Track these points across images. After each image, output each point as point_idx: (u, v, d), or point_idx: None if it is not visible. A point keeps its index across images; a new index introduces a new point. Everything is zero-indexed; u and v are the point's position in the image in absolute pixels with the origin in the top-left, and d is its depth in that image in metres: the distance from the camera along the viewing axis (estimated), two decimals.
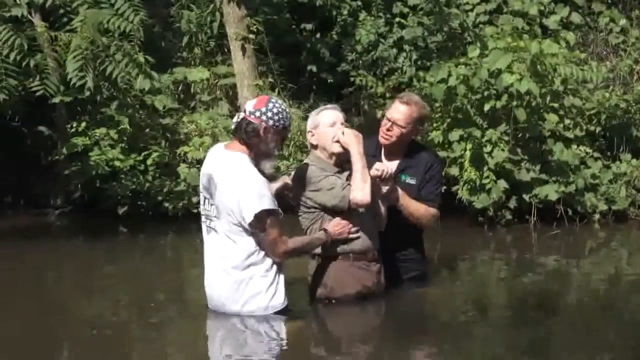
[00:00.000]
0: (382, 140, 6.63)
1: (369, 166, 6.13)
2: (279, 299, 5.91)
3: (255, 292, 5.86)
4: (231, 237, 5.83)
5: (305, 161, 6.36)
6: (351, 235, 6.14)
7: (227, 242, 5.85)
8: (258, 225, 5.74)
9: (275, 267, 5.89)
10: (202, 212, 6.00)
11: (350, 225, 6.15)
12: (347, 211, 6.11)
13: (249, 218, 5.70)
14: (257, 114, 5.82)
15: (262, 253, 5.84)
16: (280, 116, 5.84)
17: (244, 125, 5.83)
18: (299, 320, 6.00)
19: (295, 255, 6.08)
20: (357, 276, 6.24)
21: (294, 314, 5.98)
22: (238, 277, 5.85)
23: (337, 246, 6.18)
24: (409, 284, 6.75)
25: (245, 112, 5.87)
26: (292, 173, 6.45)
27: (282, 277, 5.93)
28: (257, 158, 5.87)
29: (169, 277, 7.89)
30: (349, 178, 6.11)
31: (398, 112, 6.59)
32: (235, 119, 5.94)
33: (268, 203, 5.73)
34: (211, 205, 5.89)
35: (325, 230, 6.09)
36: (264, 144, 5.83)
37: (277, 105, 5.87)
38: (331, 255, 6.20)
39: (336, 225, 6.11)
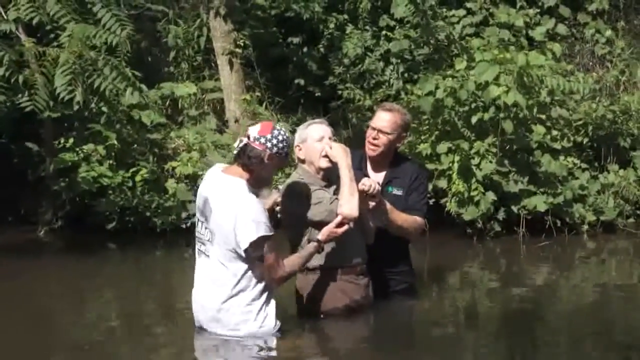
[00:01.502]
0: (369, 152, 6.63)
1: (357, 180, 6.12)
2: (270, 324, 5.85)
3: (245, 319, 5.81)
4: (223, 263, 5.78)
5: (292, 175, 6.34)
6: (340, 230, 6.01)
7: (219, 267, 5.80)
8: (254, 252, 5.70)
9: (266, 292, 5.84)
10: (197, 235, 5.94)
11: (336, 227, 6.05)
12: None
13: (245, 245, 5.66)
14: (262, 140, 5.76)
15: (254, 279, 5.80)
16: (284, 144, 5.79)
17: (247, 151, 5.77)
18: (291, 337, 5.96)
19: (292, 276, 6.02)
20: (345, 290, 6.21)
21: (286, 330, 5.95)
22: (228, 303, 5.80)
23: (325, 260, 6.14)
24: (397, 297, 6.73)
25: (249, 138, 5.80)
26: (280, 187, 6.43)
27: (273, 301, 5.88)
28: (256, 184, 5.82)
29: (158, 291, 7.87)
30: (336, 192, 6.10)
31: (383, 120, 6.59)
32: (237, 144, 5.85)
33: (264, 229, 5.68)
34: (205, 229, 5.84)
35: (317, 240, 6.00)
36: (265, 171, 5.79)
37: (282, 132, 5.82)
38: (319, 268, 6.17)
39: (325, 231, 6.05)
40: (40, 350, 6.06)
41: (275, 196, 6.28)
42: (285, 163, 6.04)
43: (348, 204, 5.96)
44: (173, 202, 10.42)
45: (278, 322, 5.89)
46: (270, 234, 5.71)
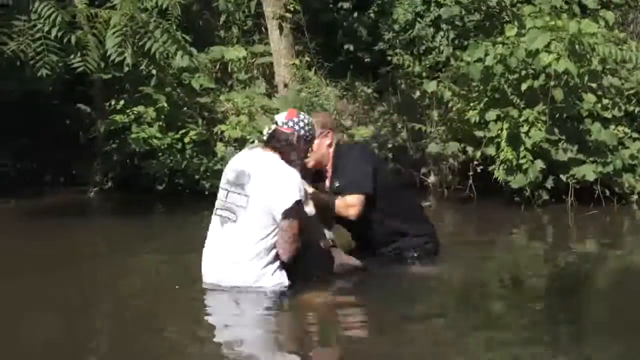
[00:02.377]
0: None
1: None
2: (283, 284, 6.05)
3: (261, 276, 5.98)
4: (252, 227, 5.95)
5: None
6: None
7: (246, 231, 5.97)
8: (288, 215, 5.89)
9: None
10: (221, 204, 6.11)
11: None
12: None
13: (287, 205, 5.87)
14: (290, 123, 6.11)
15: (273, 245, 5.98)
16: (310, 127, 6.17)
17: (276, 134, 6.10)
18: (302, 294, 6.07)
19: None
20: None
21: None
22: (248, 262, 5.97)
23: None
24: (419, 264, 6.83)
25: (277, 124, 6.13)
26: None
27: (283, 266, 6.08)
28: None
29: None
30: None
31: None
32: (266, 131, 6.17)
33: (299, 194, 5.93)
34: (239, 195, 6.01)
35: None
36: (294, 153, 6.07)
37: (306, 117, 6.21)
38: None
39: None
40: (86, 305, 6.18)
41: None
42: (309, 148, 6.27)
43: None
44: (222, 165, 10.47)
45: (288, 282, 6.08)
46: (302, 198, 5.95)
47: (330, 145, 6.77)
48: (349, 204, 6.61)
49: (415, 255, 6.89)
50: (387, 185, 6.78)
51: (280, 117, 6.17)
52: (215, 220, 6.16)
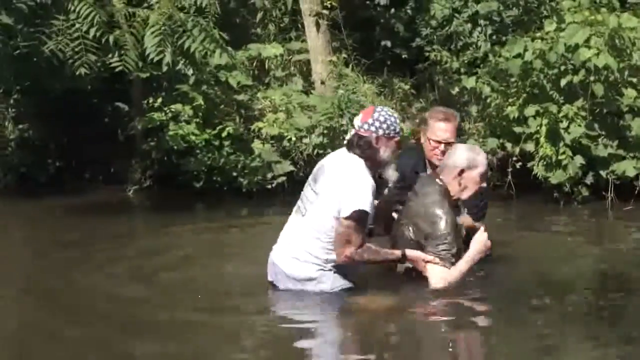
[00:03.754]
0: (436, 162, 6.38)
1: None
2: (340, 286, 5.96)
3: (316, 277, 5.94)
4: (316, 224, 5.90)
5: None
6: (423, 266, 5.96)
7: (310, 226, 5.93)
8: (347, 221, 5.79)
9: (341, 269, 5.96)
10: (301, 196, 6.09)
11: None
12: None
13: (347, 212, 5.78)
14: (366, 126, 5.94)
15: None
16: (389, 123, 5.94)
17: (355, 140, 5.96)
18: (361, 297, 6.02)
19: (360, 263, 5.97)
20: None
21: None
22: (306, 259, 5.93)
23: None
24: None
25: (355, 127, 5.99)
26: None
27: (346, 271, 5.98)
28: (376, 167, 5.97)
29: (239, 252, 7.92)
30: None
31: (444, 131, 6.43)
32: (348, 137, 6.06)
33: (368, 206, 5.81)
34: (311, 190, 5.99)
35: (402, 254, 5.97)
36: (379, 154, 5.93)
37: (382, 113, 5.96)
38: None
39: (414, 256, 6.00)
40: (125, 303, 6.23)
41: None
42: (398, 141, 6.01)
43: (444, 283, 5.91)
44: (259, 162, 10.50)
45: (350, 283, 5.99)
46: (366, 210, 5.80)
47: None
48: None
49: None
50: None
51: (357, 121, 6.01)
52: (294, 210, 6.12)
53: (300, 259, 5.95)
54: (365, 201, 5.79)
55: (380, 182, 6.09)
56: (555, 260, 7.63)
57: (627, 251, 7.91)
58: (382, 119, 5.94)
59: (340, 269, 5.95)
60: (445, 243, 5.88)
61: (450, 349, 5.35)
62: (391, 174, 6.04)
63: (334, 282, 5.95)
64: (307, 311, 5.95)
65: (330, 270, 5.94)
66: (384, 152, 5.94)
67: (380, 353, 5.38)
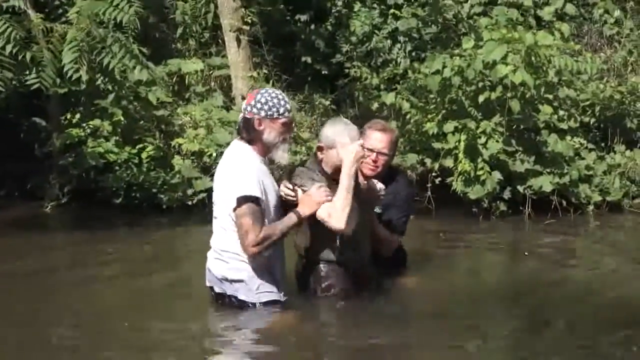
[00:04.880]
0: (368, 173, 6.39)
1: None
2: (265, 292, 5.89)
3: (241, 281, 5.86)
4: (222, 224, 5.86)
5: (304, 167, 6.17)
6: (327, 198, 5.83)
7: (218, 228, 5.90)
8: (238, 211, 5.69)
9: (259, 261, 5.85)
10: None
11: (325, 190, 5.87)
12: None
13: (234, 201, 5.68)
14: (249, 108, 5.85)
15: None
16: (271, 104, 5.82)
17: (242, 124, 5.90)
18: (291, 311, 6.00)
19: (269, 246, 5.82)
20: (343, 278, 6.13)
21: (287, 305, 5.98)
22: (226, 260, 5.88)
23: (318, 255, 6.07)
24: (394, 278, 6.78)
25: (242, 111, 5.92)
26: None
27: (270, 273, 5.91)
28: (265, 151, 5.89)
29: (163, 267, 7.87)
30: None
31: (379, 141, 6.44)
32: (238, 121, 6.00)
33: (252, 190, 5.68)
34: (215, 190, 5.96)
35: (295, 212, 5.84)
36: (264, 135, 5.83)
37: (265, 95, 5.86)
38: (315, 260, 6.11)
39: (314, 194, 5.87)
40: (45, 325, 6.10)
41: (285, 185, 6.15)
42: (285, 122, 5.86)
43: (335, 217, 5.82)
44: (179, 179, 10.43)
45: (277, 296, 5.93)
46: (253, 194, 5.68)
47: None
48: (395, 243, 6.62)
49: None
50: None
51: (243, 104, 5.94)
52: None
53: (222, 258, 5.89)
54: (247, 186, 5.67)
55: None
56: (471, 273, 7.74)
57: (541, 267, 8.02)
58: (263, 100, 5.83)
59: (259, 275, 5.86)
60: None
61: None
62: (279, 156, 5.94)
63: (256, 289, 5.85)
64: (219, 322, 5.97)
65: (253, 269, 5.83)
66: (269, 134, 5.83)
67: None
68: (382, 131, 6.51)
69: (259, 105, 5.82)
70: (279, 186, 6.01)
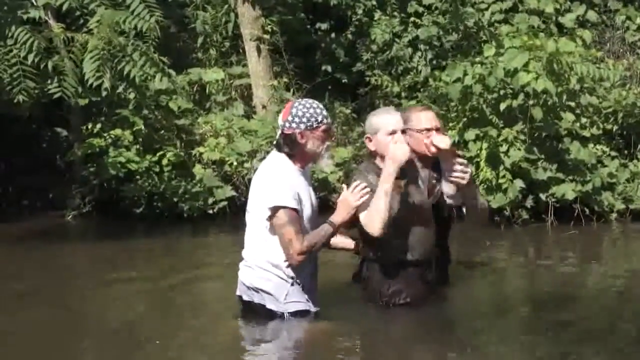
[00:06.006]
0: (433, 150, 6.15)
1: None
2: (293, 302, 5.85)
3: (269, 290, 5.84)
4: (254, 232, 5.86)
5: (357, 169, 6.15)
6: (364, 198, 5.77)
7: (250, 236, 5.90)
8: (276, 222, 5.71)
9: (294, 270, 5.81)
10: None
11: (361, 187, 5.81)
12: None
13: (270, 211, 5.71)
14: (287, 125, 5.85)
15: (279, 253, 5.79)
16: (308, 115, 5.83)
17: (282, 140, 5.89)
18: (321, 322, 5.95)
19: (311, 253, 5.82)
20: (402, 281, 6.10)
21: (322, 315, 5.94)
22: (255, 269, 5.86)
23: (382, 252, 6.03)
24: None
25: (279, 127, 5.92)
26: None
27: (302, 283, 5.87)
28: (307, 162, 5.93)
29: (184, 276, 7.86)
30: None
31: (430, 119, 6.26)
32: (276, 137, 5.98)
33: (286, 200, 5.70)
34: (248, 200, 5.95)
35: (330, 221, 5.82)
36: (308, 147, 5.85)
37: (299, 107, 5.86)
38: (377, 259, 6.07)
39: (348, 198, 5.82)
40: (70, 335, 6.10)
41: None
42: (325, 130, 5.86)
43: (370, 224, 5.81)
44: (200, 187, 10.44)
45: (306, 306, 5.88)
46: (289, 205, 5.69)
47: None
48: None
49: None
50: None
51: (280, 121, 5.91)
52: None
53: (251, 266, 5.88)
54: (281, 196, 5.68)
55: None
56: (494, 284, 7.68)
57: (565, 275, 7.96)
58: (300, 113, 5.83)
59: (290, 285, 5.83)
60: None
61: None
62: (325, 163, 5.97)
63: (289, 297, 5.83)
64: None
65: (281, 278, 5.82)
66: (312, 145, 5.84)
67: None
68: (425, 110, 6.38)
69: (297, 120, 5.83)
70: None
